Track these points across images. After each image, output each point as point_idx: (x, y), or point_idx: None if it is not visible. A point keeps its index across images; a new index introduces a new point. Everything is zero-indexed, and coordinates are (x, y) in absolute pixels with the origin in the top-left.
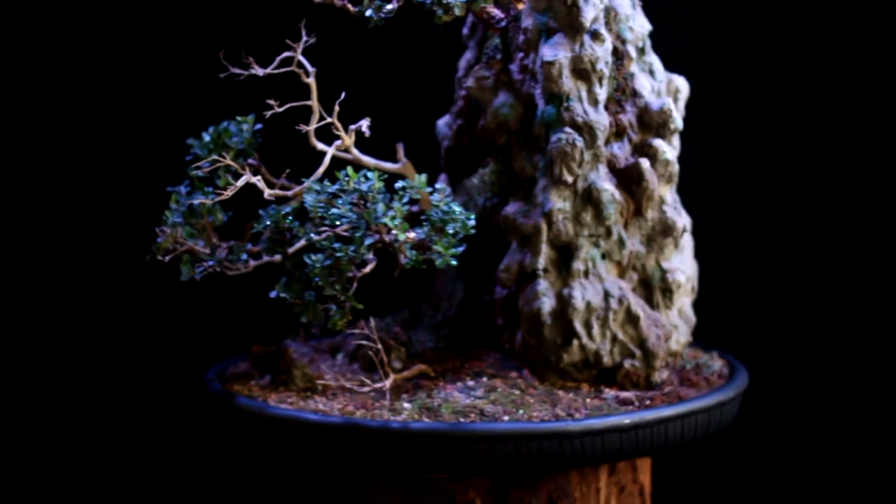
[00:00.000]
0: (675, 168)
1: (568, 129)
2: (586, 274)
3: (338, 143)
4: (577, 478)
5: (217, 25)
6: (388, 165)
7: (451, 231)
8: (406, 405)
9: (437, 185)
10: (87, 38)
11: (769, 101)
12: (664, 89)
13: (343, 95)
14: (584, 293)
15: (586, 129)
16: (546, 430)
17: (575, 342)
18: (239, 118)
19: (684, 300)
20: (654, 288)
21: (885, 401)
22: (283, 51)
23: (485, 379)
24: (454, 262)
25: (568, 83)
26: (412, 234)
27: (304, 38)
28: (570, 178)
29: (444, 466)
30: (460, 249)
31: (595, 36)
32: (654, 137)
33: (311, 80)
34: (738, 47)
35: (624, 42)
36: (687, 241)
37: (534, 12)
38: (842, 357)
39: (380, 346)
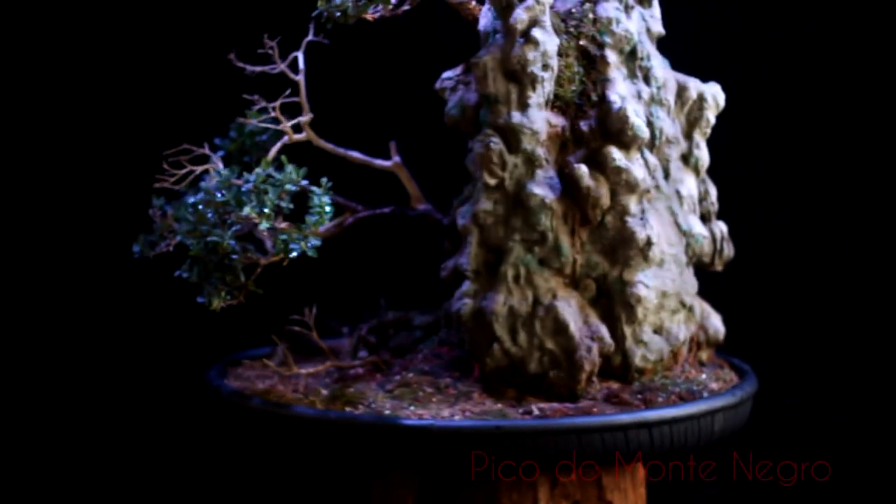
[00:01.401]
0: (634, 176)
1: (487, 131)
2: (517, 279)
3: (285, 138)
4: (505, 487)
5: (219, 24)
6: (379, 162)
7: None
8: (324, 392)
9: (322, 179)
10: (86, 36)
11: (777, 104)
12: (668, 97)
13: (288, 92)
14: (507, 298)
15: (509, 133)
16: (404, 427)
17: (496, 347)
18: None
19: (664, 316)
20: (615, 301)
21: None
22: (292, 49)
23: (411, 375)
24: (313, 254)
25: (496, 85)
26: (282, 226)
27: (310, 37)
28: (491, 181)
29: (312, 452)
30: (317, 242)
31: (528, 39)
32: (613, 144)
33: (300, 78)
34: (737, 48)
35: (602, 46)
36: (668, 256)
37: (488, 13)
38: (849, 362)
39: (315, 333)
